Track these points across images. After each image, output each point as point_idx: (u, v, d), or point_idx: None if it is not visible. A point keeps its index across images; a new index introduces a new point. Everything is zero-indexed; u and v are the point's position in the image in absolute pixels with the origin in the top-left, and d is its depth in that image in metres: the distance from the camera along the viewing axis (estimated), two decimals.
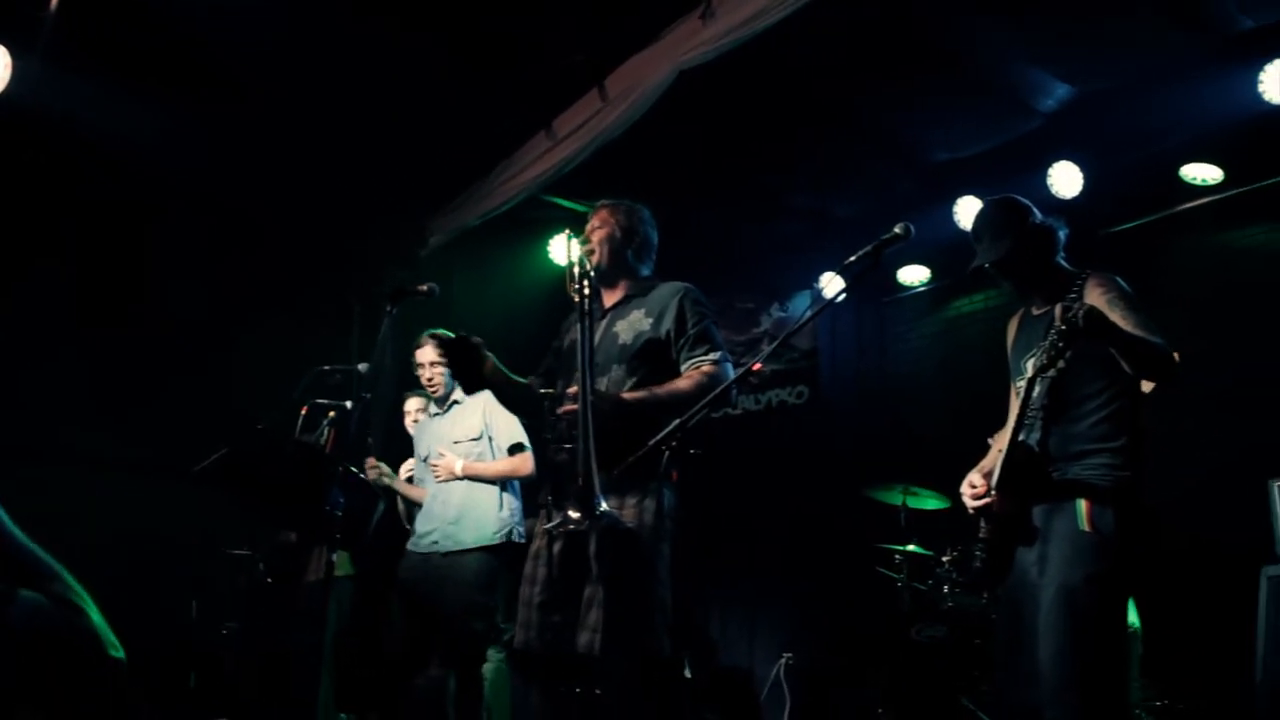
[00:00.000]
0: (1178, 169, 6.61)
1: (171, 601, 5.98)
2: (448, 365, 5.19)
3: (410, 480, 5.67)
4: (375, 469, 5.48)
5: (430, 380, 5.38)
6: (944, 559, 6.15)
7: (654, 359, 3.69)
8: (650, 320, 3.75)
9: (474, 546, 5.08)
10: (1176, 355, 3.33)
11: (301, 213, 7.06)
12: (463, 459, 5.24)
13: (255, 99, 6.37)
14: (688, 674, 6.98)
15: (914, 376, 8.47)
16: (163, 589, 6.21)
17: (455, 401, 5.43)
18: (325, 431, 5.16)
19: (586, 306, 3.55)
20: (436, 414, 5.48)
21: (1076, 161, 6.82)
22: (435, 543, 5.14)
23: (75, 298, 6.62)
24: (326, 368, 5.13)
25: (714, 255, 8.43)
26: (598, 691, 3.49)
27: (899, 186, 7.59)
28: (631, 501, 3.50)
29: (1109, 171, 6.80)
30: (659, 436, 3.21)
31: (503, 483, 5.26)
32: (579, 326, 3.50)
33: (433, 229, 7.93)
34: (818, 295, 7.75)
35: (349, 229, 7.25)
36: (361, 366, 4.96)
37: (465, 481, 5.20)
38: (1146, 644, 5.66)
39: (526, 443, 5.29)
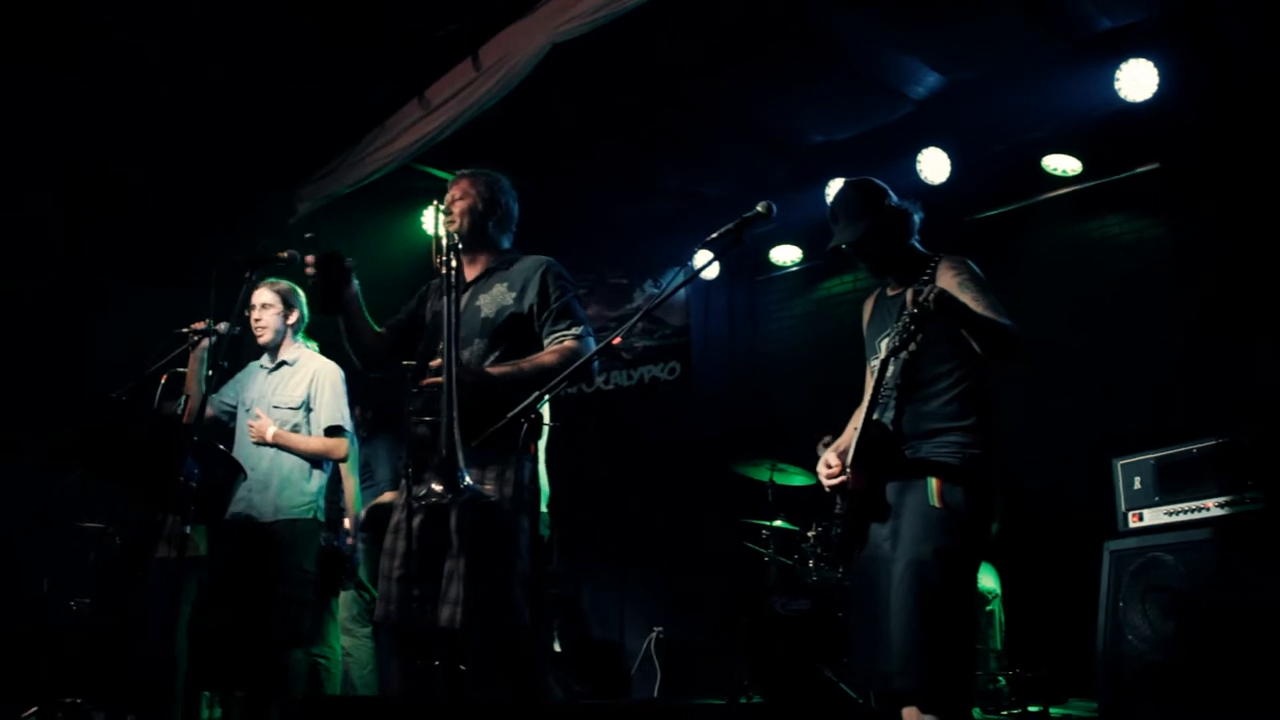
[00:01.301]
0: (1040, 159, 6.85)
1: (21, 578, 5.74)
2: (289, 302, 5.09)
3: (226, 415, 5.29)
4: (205, 323, 4.97)
5: (259, 321, 5.10)
6: (809, 534, 6.28)
7: (516, 333, 3.67)
8: (513, 294, 3.72)
9: (278, 519, 4.88)
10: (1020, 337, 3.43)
11: (167, 179, 6.83)
12: (276, 425, 5.00)
13: (121, 63, 6.14)
14: (558, 648, 7.01)
15: (784, 355, 8.61)
16: (11, 565, 5.98)
17: (285, 362, 5.18)
18: (184, 401, 4.99)
19: (453, 279, 3.53)
20: (265, 368, 5.22)
21: (945, 149, 7.01)
22: (240, 512, 4.87)
23: None
24: (184, 330, 4.93)
25: (587, 230, 8.43)
26: (460, 665, 3.47)
27: (773, 168, 7.69)
28: (491, 474, 3.49)
29: (975, 160, 7.01)
30: (517, 409, 3.19)
31: (315, 459, 5.06)
32: (445, 300, 3.47)
33: (302, 196, 7.75)
34: (689, 272, 7.81)
35: (216, 196, 7.03)
36: (221, 326, 4.80)
37: (274, 450, 4.97)
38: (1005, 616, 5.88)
39: (348, 427, 5.09)
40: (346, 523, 5.53)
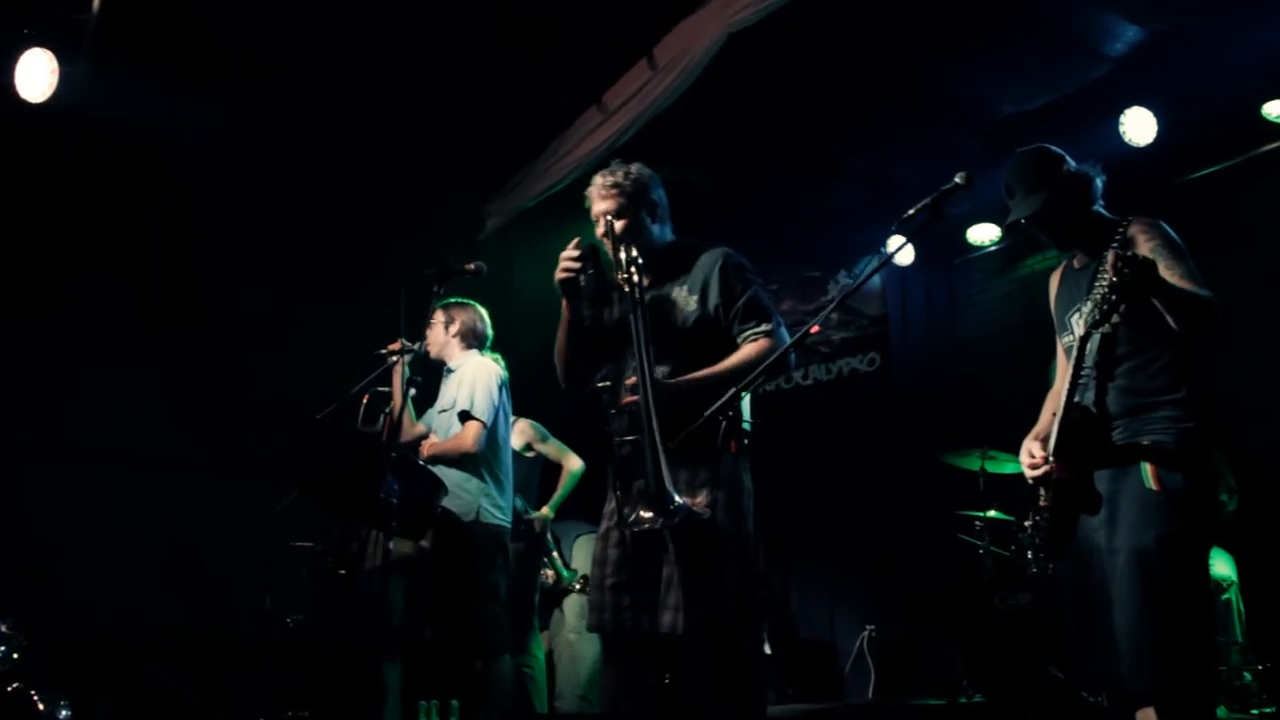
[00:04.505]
0: (1259, 108, 6.34)
1: (246, 596, 6.00)
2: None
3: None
4: (400, 343, 5.12)
5: (426, 338, 5.19)
6: (1025, 524, 5.96)
7: (706, 338, 3.52)
8: (695, 298, 3.55)
9: (444, 522, 4.88)
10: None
11: (358, 202, 7.04)
12: (433, 434, 5.13)
13: (307, 89, 6.36)
14: (768, 650, 6.91)
15: (987, 338, 8.28)
16: (238, 583, 6.28)
17: (450, 369, 5.27)
18: (383, 420, 5.12)
19: (639, 296, 3.37)
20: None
21: (1149, 107, 6.58)
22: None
23: (134, 298, 6.68)
24: (382, 351, 5.09)
25: (776, 225, 8.29)
26: (675, 670, 3.40)
27: (964, 144, 7.34)
28: (700, 479, 3.38)
29: (1185, 115, 6.55)
30: (714, 407, 3.11)
31: (470, 459, 5.01)
32: (633, 317, 3.35)
33: (490, 211, 7.89)
34: (883, 257, 7.59)
35: (406, 217, 7.23)
36: (417, 345, 4.94)
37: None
38: (1246, 604, 5.48)
39: (476, 411, 4.97)
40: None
